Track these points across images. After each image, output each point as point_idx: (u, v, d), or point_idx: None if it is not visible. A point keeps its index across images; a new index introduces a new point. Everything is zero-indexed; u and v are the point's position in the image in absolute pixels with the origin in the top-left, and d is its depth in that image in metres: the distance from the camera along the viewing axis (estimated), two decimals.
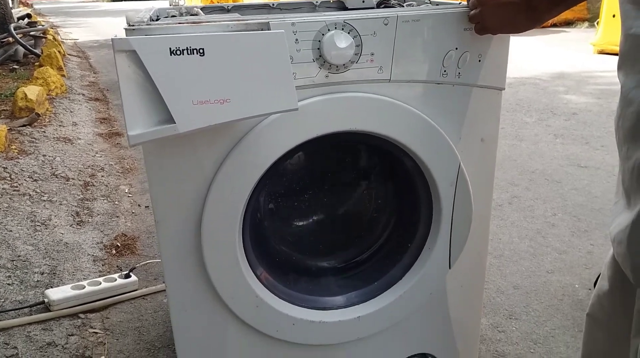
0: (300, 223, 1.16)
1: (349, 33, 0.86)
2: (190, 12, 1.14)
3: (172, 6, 1.18)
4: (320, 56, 0.86)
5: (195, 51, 0.70)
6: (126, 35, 0.77)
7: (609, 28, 5.30)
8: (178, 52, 0.69)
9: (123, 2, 17.30)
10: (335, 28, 0.85)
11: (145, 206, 2.31)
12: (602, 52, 5.43)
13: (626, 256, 0.76)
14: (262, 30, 0.81)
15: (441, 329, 1.15)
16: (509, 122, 3.45)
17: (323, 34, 0.85)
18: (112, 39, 0.69)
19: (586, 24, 7.52)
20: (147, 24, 0.81)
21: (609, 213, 0.83)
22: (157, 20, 1.05)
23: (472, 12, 0.90)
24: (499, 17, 0.86)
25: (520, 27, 0.86)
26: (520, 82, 4.49)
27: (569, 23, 7.62)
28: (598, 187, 2.46)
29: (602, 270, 0.90)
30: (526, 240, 2.02)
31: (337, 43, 0.84)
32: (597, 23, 5.98)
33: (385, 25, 0.88)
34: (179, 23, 0.81)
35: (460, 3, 0.97)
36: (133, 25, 0.79)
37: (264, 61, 0.74)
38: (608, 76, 4.49)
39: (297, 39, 0.84)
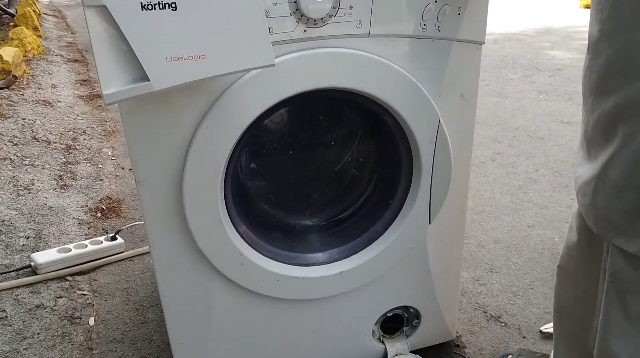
0: (282, 182, 1.16)
1: None
2: None
3: None
4: (297, 9, 0.84)
5: (167, 5, 0.68)
6: None
7: None
8: (149, 7, 0.67)
9: None
10: None
11: (129, 169, 2.30)
12: (587, 7, 5.38)
13: (590, 209, 0.78)
14: None
15: (422, 283, 1.18)
16: (493, 78, 3.44)
17: None
18: None
19: None
20: None
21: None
22: None
23: None
24: None
25: None
26: (505, 38, 4.46)
27: None
28: None
29: (570, 221, 0.92)
30: (508, 196, 2.05)
31: None
32: None
33: None
34: None
35: None
36: None
37: (239, 16, 0.72)
38: None
39: None
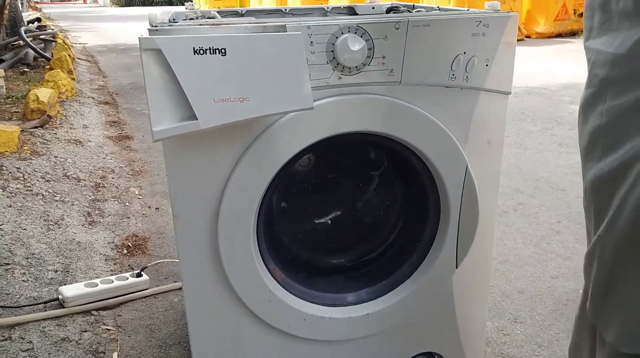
0: (311, 222, 1.19)
1: (361, 37, 0.89)
2: (206, 15, 1.17)
3: (188, 10, 1.22)
4: (333, 58, 0.89)
5: (217, 50, 0.73)
6: (150, 35, 0.81)
7: None
8: (201, 52, 0.73)
9: (128, 7, 17.57)
10: (349, 31, 0.89)
11: (156, 208, 2.35)
12: None
13: (585, 291, 0.79)
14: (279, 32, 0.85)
15: (448, 329, 1.17)
16: (514, 131, 3.47)
17: (337, 37, 0.88)
18: (139, 37, 0.73)
19: None
20: (169, 25, 0.84)
21: None
22: (175, 22, 1.09)
23: None
24: None
25: None
26: (525, 92, 4.52)
27: (573, 33, 7.66)
28: None
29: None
30: (531, 246, 2.04)
31: (350, 46, 0.88)
32: None
33: (397, 29, 0.91)
34: (200, 25, 0.85)
35: (468, 10, 1.01)
36: (156, 26, 0.83)
37: (282, 62, 0.77)
38: None
39: (312, 42, 0.88)
